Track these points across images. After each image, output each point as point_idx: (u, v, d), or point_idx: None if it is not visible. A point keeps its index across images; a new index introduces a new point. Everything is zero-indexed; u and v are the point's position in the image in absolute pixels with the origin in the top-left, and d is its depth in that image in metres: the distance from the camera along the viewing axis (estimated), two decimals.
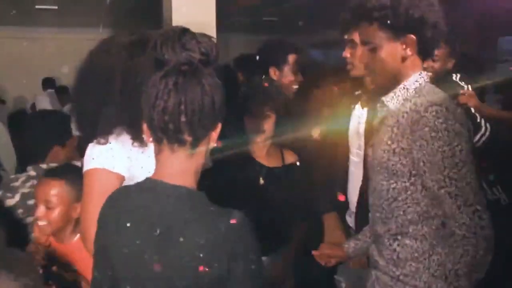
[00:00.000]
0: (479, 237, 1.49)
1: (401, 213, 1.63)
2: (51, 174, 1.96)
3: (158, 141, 1.32)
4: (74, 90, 1.83)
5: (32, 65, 8.47)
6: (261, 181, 2.34)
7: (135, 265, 1.29)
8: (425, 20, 1.61)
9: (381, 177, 1.67)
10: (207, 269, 1.23)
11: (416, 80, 1.66)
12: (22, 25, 8.54)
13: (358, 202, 2.29)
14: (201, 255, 1.23)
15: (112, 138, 1.70)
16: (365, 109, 2.30)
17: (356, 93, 2.40)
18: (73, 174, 1.91)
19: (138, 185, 1.37)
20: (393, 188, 1.63)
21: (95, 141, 1.70)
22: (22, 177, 2.20)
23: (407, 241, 1.64)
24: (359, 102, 2.36)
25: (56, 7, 7.32)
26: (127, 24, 8.22)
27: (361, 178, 2.25)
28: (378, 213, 1.71)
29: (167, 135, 1.29)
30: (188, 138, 1.29)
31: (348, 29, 2.17)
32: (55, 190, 1.89)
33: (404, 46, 1.63)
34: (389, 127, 1.64)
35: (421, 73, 1.67)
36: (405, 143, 1.57)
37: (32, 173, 2.19)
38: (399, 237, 1.66)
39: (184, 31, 1.56)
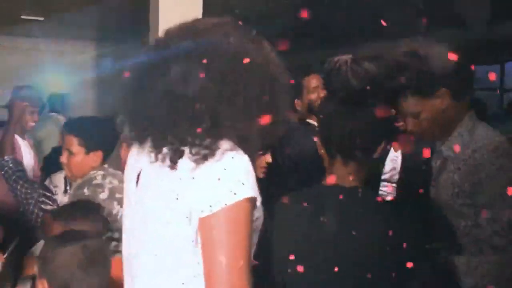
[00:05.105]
0: None
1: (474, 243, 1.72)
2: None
3: (332, 156, 1.57)
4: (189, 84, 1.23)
5: (15, 75, 8.40)
6: None
7: (325, 254, 1.48)
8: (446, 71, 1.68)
9: (450, 218, 1.77)
10: (386, 252, 1.45)
11: (467, 124, 1.73)
12: (6, 35, 8.50)
13: None
14: (384, 240, 1.44)
15: (234, 153, 1.21)
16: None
17: None
18: None
19: (311, 189, 1.61)
20: (464, 226, 1.72)
21: (223, 154, 1.18)
22: (98, 175, 2.41)
23: None
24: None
25: (43, 18, 7.31)
26: (113, 35, 8.24)
27: None
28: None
29: (342, 153, 1.54)
30: (358, 154, 1.52)
31: None
32: None
33: (440, 100, 1.71)
34: (450, 173, 1.74)
35: (471, 115, 1.75)
36: (467, 187, 1.68)
37: (101, 172, 2.41)
38: None
39: (354, 60, 1.64)
